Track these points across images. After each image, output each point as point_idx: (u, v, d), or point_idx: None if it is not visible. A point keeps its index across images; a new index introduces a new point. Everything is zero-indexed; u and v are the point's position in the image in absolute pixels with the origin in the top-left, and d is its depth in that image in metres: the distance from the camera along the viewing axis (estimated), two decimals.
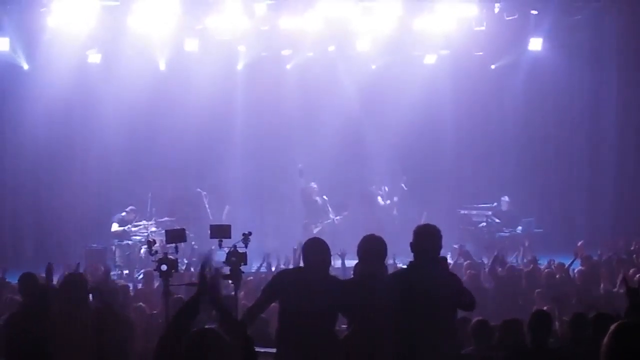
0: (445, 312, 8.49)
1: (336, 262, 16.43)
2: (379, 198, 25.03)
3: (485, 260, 18.70)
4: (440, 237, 8.62)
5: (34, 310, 9.51)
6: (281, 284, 8.91)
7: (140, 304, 13.06)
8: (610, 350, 5.84)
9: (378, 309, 8.41)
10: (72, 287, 9.05)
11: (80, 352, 8.67)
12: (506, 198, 25.01)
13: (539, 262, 17.89)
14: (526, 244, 21.61)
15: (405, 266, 9.65)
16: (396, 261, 16.40)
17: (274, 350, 8.88)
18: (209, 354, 5.41)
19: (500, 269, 16.37)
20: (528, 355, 8.71)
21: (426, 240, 8.59)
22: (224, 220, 21.56)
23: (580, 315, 9.81)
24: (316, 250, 8.87)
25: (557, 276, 16.21)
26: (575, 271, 16.76)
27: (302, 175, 23.83)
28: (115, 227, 22.46)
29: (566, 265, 16.98)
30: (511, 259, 18.87)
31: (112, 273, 20.29)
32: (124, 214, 22.67)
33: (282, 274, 9.48)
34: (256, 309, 9.09)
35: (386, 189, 25.19)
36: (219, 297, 6.53)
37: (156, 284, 15.27)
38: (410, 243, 8.61)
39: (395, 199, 24.92)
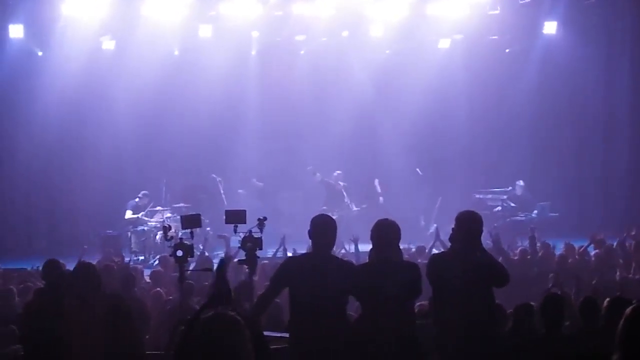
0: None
1: (350, 247, 16.51)
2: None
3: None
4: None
5: (49, 298, 9.55)
6: (288, 272, 8.92)
7: (158, 289, 13.13)
8: (625, 334, 5.85)
9: (390, 294, 8.46)
10: (84, 276, 9.07)
11: (94, 340, 8.70)
12: (521, 182, 24.90)
13: (553, 246, 17.81)
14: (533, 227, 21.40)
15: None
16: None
17: (287, 335, 8.92)
18: (225, 337, 5.40)
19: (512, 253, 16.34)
20: (541, 341, 8.71)
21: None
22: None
23: (590, 299, 9.80)
24: (322, 232, 8.89)
25: (570, 260, 16.18)
26: (592, 255, 16.76)
27: (314, 174, 23.84)
28: (129, 214, 22.50)
29: (580, 249, 16.97)
30: (519, 245, 18.78)
31: (127, 259, 20.43)
32: (137, 199, 22.70)
33: (289, 262, 9.52)
34: (265, 299, 9.13)
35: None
36: (228, 296, 6.53)
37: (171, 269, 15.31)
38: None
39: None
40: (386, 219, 8.93)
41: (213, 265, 14.62)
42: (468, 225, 8.90)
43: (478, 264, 8.79)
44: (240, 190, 24.48)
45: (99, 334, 8.71)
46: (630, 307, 6.01)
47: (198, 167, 24.99)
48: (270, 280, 9.24)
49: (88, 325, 8.69)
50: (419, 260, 13.65)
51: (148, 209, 22.65)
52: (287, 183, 25.45)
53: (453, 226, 8.91)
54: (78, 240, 21.82)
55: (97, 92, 24.23)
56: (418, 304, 10.10)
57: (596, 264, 16.20)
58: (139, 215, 22.37)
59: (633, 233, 18.32)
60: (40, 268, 10.71)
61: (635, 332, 5.86)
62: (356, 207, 23.95)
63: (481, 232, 8.94)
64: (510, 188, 25.05)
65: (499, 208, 24.47)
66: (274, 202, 24.57)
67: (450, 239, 9.08)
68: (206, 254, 16.98)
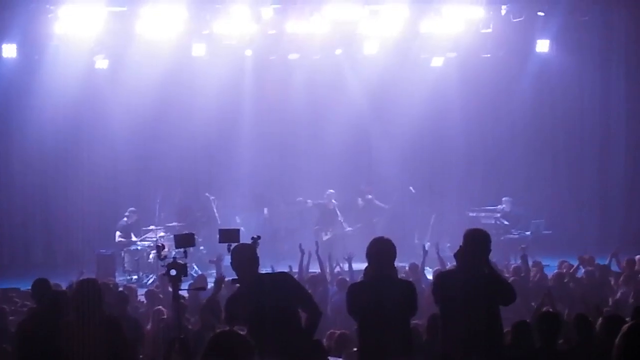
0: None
1: (345, 266, 16.48)
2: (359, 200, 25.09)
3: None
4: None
5: (44, 317, 9.53)
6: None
7: (160, 307, 13.12)
8: (621, 351, 5.85)
9: (390, 311, 8.47)
10: (84, 295, 9.05)
11: (91, 358, 8.68)
12: (507, 198, 25.00)
13: (546, 264, 17.83)
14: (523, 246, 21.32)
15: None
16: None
17: None
18: (231, 356, 5.47)
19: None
20: (540, 356, 8.72)
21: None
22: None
23: (583, 316, 9.82)
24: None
25: (566, 280, 16.17)
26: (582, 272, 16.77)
27: (305, 202, 23.98)
28: (118, 236, 22.53)
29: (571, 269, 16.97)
30: (512, 262, 18.80)
31: (120, 279, 20.42)
32: (125, 218, 22.74)
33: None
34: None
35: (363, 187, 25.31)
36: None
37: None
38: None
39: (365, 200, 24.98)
40: (382, 237, 8.96)
41: (208, 284, 14.63)
42: (476, 242, 8.94)
43: (485, 281, 8.82)
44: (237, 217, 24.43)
45: (97, 352, 8.69)
46: (627, 325, 6.01)
47: (192, 186, 24.97)
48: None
49: (86, 343, 8.67)
50: (411, 279, 13.66)
51: (142, 228, 22.66)
52: (283, 199, 25.43)
53: (461, 243, 8.94)
54: (73, 259, 21.82)
55: (91, 111, 24.26)
56: (413, 322, 10.10)
57: (587, 281, 16.20)
58: (131, 239, 22.39)
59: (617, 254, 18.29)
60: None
61: (632, 349, 5.86)
62: (350, 226, 23.98)
63: (489, 249, 8.97)
64: (503, 206, 25.05)
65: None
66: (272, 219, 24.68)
67: (457, 256, 9.09)
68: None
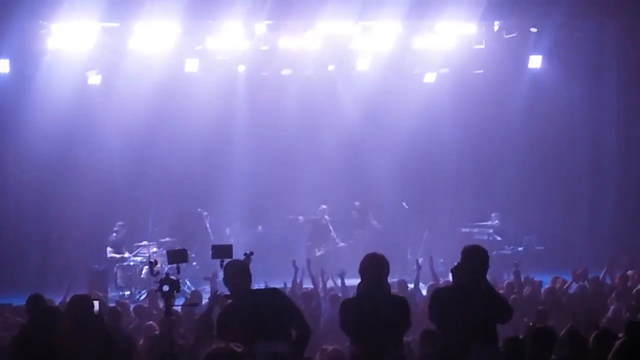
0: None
1: (337, 281, 16.47)
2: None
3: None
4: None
5: (38, 332, 9.51)
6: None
7: (151, 322, 13.11)
8: None
9: (382, 326, 8.46)
10: (78, 310, 9.04)
11: None
12: (496, 213, 25.07)
13: (539, 280, 17.82)
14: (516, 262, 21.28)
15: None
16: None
17: None
18: None
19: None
20: None
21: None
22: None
23: (576, 331, 9.83)
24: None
25: (558, 294, 16.17)
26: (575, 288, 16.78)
27: (297, 219, 24.07)
28: (109, 252, 22.50)
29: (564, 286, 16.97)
30: (504, 278, 18.81)
31: (113, 294, 20.39)
32: (114, 234, 22.72)
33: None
34: None
35: (357, 203, 25.32)
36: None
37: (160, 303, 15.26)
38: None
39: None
40: (375, 253, 8.97)
41: (202, 300, 14.63)
42: (474, 259, 8.95)
43: (483, 298, 8.82)
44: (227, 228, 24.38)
45: None
46: (619, 341, 6.03)
47: (185, 201, 24.93)
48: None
49: (80, 358, 8.66)
50: (402, 292, 13.68)
51: (134, 244, 22.64)
52: (275, 215, 25.42)
53: (454, 259, 8.97)
54: (67, 274, 21.79)
55: (84, 126, 24.23)
56: (406, 338, 10.10)
57: (581, 296, 16.21)
58: (123, 254, 22.37)
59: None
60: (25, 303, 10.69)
61: None
62: (343, 242, 23.98)
63: (487, 266, 8.99)
64: (497, 222, 25.08)
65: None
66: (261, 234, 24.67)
67: (454, 272, 9.10)
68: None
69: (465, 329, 8.70)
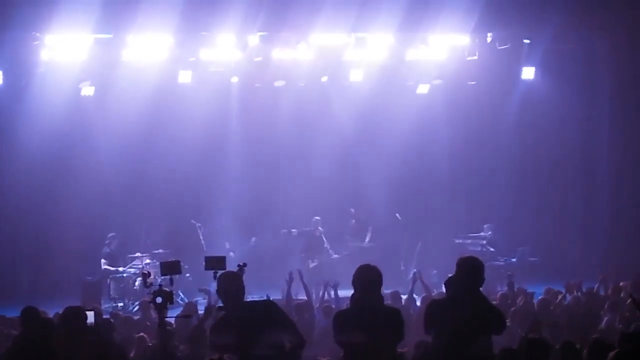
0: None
1: (331, 293, 16.45)
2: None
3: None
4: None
5: (32, 344, 9.50)
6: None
7: (142, 334, 13.08)
8: None
9: (375, 337, 8.46)
10: (72, 321, 9.03)
11: None
12: (488, 225, 25.09)
13: (532, 291, 17.82)
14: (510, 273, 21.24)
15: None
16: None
17: None
18: None
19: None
20: None
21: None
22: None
23: (570, 343, 9.82)
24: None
25: (552, 307, 16.17)
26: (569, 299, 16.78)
27: (290, 232, 24.10)
28: (103, 264, 22.47)
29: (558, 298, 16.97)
30: (498, 289, 18.83)
31: (106, 306, 20.36)
32: (106, 247, 22.68)
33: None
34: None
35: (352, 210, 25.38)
36: None
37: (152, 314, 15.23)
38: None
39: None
40: (368, 264, 8.96)
41: (198, 312, 14.61)
42: (470, 271, 8.95)
43: (479, 310, 8.82)
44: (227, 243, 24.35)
45: None
46: (613, 352, 6.03)
47: (178, 212, 24.90)
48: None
49: None
50: (396, 304, 13.66)
51: (128, 255, 22.62)
52: (268, 226, 25.39)
53: (448, 270, 8.98)
54: (60, 286, 21.76)
55: (77, 138, 24.20)
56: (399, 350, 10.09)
57: (575, 307, 16.20)
58: (118, 266, 22.35)
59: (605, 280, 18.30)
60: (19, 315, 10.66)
61: None
62: (336, 253, 23.97)
63: (483, 278, 8.99)
64: (489, 233, 25.10)
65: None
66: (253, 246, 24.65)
67: (448, 284, 9.11)
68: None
69: (460, 340, 8.70)
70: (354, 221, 25.37)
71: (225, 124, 25.55)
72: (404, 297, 16.43)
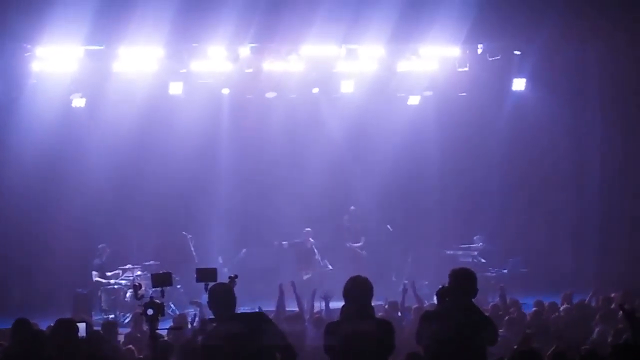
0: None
1: (322, 304, 16.45)
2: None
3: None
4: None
5: (23, 356, 9.48)
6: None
7: (130, 346, 13.06)
8: None
9: (366, 349, 8.46)
10: (63, 333, 9.03)
11: None
12: (479, 236, 25.12)
13: (523, 302, 17.84)
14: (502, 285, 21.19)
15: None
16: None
17: None
18: None
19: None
20: None
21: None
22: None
23: (561, 353, 9.84)
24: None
25: (544, 317, 16.18)
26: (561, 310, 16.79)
27: (280, 245, 24.13)
28: (94, 276, 22.43)
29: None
30: (490, 301, 18.84)
31: (97, 318, 20.31)
32: (97, 258, 22.65)
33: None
34: None
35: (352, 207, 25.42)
36: None
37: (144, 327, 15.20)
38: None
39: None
40: (358, 276, 8.97)
41: (188, 324, 14.59)
42: (463, 282, 8.98)
43: (472, 321, 8.83)
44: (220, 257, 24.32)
45: None
46: None
47: (169, 224, 24.88)
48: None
49: None
50: (393, 315, 13.67)
51: (118, 267, 22.58)
52: (259, 238, 25.37)
53: (440, 281, 9.00)
54: (52, 298, 21.70)
55: (69, 149, 24.14)
56: None
57: (566, 318, 16.23)
58: (109, 280, 22.31)
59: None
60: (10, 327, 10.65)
61: None
62: (328, 265, 23.97)
63: (476, 289, 9.01)
64: (480, 244, 25.12)
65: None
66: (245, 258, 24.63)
67: (441, 295, 9.12)
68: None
69: (455, 352, 8.70)
70: (346, 217, 25.33)
71: (216, 135, 25.53)
72: None
